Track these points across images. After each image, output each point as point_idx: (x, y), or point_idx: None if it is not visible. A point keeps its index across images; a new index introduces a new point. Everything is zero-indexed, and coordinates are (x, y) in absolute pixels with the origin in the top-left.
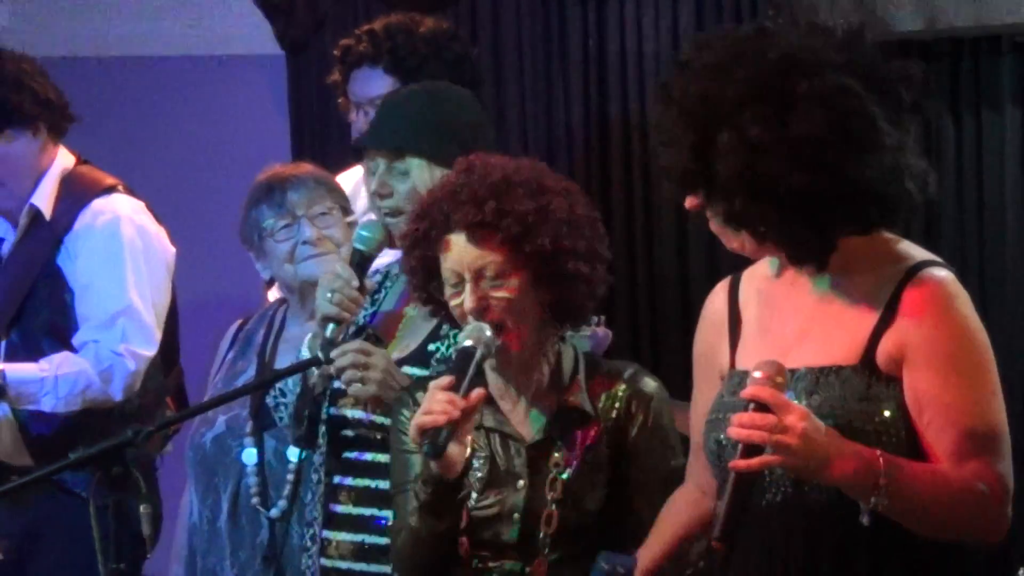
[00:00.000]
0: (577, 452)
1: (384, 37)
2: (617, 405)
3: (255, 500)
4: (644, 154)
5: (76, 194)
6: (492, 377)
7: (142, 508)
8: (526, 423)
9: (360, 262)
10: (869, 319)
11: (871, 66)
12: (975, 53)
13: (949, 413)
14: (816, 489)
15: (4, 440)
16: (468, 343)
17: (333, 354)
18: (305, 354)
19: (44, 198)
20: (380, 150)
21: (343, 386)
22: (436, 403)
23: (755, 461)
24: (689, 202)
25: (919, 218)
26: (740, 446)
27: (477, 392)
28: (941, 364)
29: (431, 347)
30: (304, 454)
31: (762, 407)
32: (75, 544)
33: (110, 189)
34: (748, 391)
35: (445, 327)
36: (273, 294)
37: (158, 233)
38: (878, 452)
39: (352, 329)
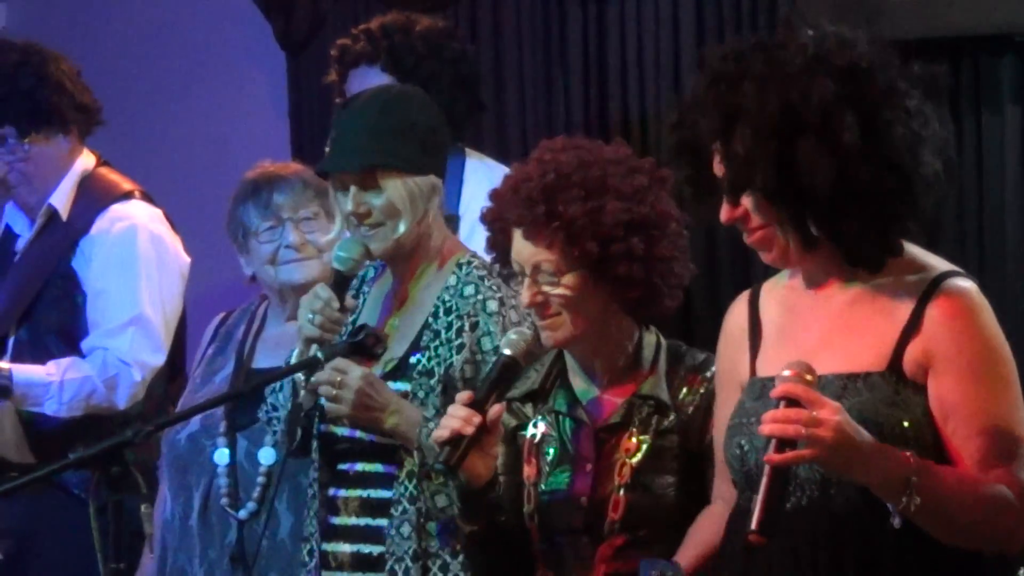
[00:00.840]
0: (649, 438)
1: (381, 36)
2: (697, 401)
3: (224, 501)
4: (644, 153)
5: (94, 197)
6: (568, 360)
7: (142, 508)
8: (599, 407)
9: (340, 282)
10: (894, 327)
11: (905, 70)
12: (975, 53)
13: (974, 421)
14: (842, 493)
15: (7, 436)
16: (507, 352)
17: (312, 379)
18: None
19: (62, 198)
20: (348, 172)
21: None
22: (453, 419)
23: (789, 455)
24: (730, 213)
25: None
26: (774, 441)
27: (495, 408)
28: (966, 373)
29: (412, 359)
30: (277, 458)
31: (793, 403)
32: (74, 544)
33: (128, 195)
34: (779, 389)
35: (426, 338)
36: None
37: (174, 242)
38: (908, 453)
39: (347, 330)
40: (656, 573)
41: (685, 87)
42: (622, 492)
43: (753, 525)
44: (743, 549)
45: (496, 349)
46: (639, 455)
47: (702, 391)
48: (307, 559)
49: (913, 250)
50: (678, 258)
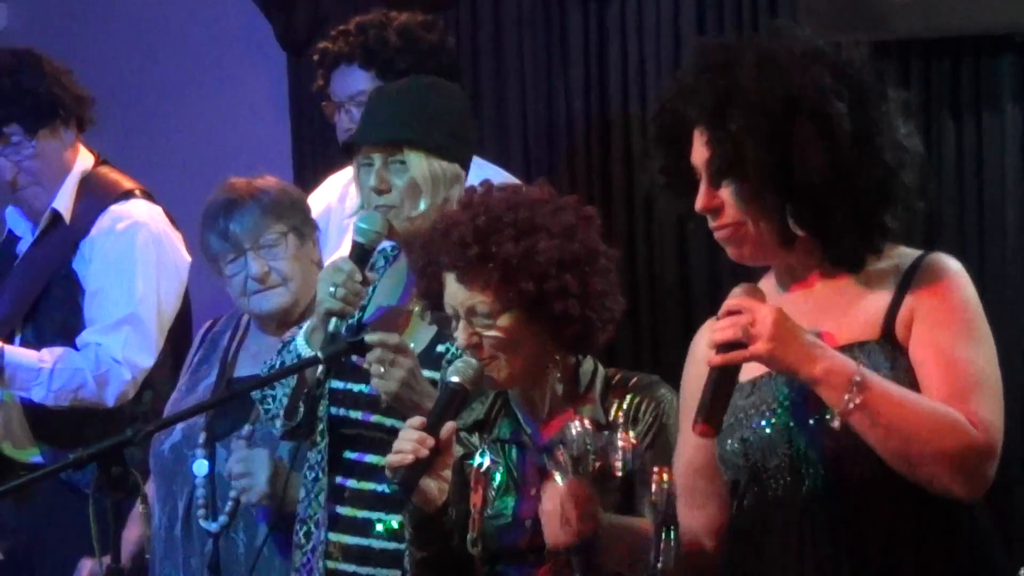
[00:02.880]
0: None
1: (356, 33)
2: (628, 410)
3: (201, 512)
4: (644, 153)
5: (95, 197)
6: (510, 391)
7: (142, 508)
8: (541, 433)
9: (361, 255)
10: (883, 300)
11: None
12: (975, 53)
13: (942, 362)
14: (854, 473)
15: (15, 431)
16: (454, 380)
17: (368, 337)
18: (302, 345)
19: (65, 200)
20: (375, 145)
21: (365, 366)
22: (406, 442)
23: (733, 354)
24: (708, 200)
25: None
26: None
27: (447, 429)
28: (941, 323)
29: (439, 348)
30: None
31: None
32: (78, 542)
33: (128, 194)
34: (725, 305)
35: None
36: None
37: (174, 241)
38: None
39: (350, 322)
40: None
41: None
42: None
43: (699, 417)
44: (762, 542)
45: None
46: None
47: (631, 400)
48: (303, 541)
49: (898, 247)
50: (609, 292)
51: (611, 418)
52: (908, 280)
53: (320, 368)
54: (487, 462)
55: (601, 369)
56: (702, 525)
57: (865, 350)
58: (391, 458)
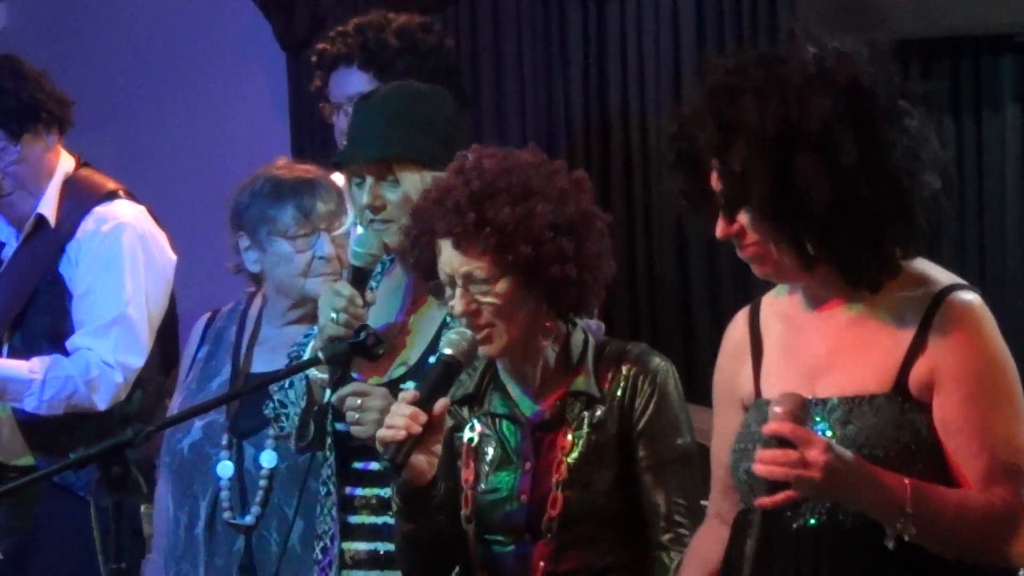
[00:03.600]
0: (584, 434)
1: (355, 35)
2: (623, 383)
3: (227, 515)
4: (644, 154)
5: (79, 199)
6: (500, 362)
7: (143, 508)
8: (534, 406)
9: (358, 277)
10: (900, 345)
11: (906, 88)
12: (975, 53)
13: (976, 441)
14: (851, 515)
15: (5, 439)
16: (448, 352)
17: (333, 399)
18: (311, 372)
19: (49, 205)
20: (365, 163)
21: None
22: (399, 417)
23: (780, 497)
24: (725, 229)
25: None
26: (763, 480)
27: (440, 404)
28: (970, 390)
29: (432, 359)
30: (279, 461)
31: (784, 442)
32: (75, 544)
33: (112, 195)
34: (769, 427)
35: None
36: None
37: (159, 241)
38: (906, 481)
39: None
40: None
41: (685, 87)
42: (560, 490)
43: (747, 573)
44: (749, 561)
45: None
46: (575, 452)
47: (626, 373)
48: (320, 556)
49: (915, 263)
50: (604, 255)
51: (605, 390)
52: (928, 322)
53: (328, 391)
54: (477, 435)
55: (592, 339)
56: (728, 512)
57: (875, 405)
58: (383, 432)
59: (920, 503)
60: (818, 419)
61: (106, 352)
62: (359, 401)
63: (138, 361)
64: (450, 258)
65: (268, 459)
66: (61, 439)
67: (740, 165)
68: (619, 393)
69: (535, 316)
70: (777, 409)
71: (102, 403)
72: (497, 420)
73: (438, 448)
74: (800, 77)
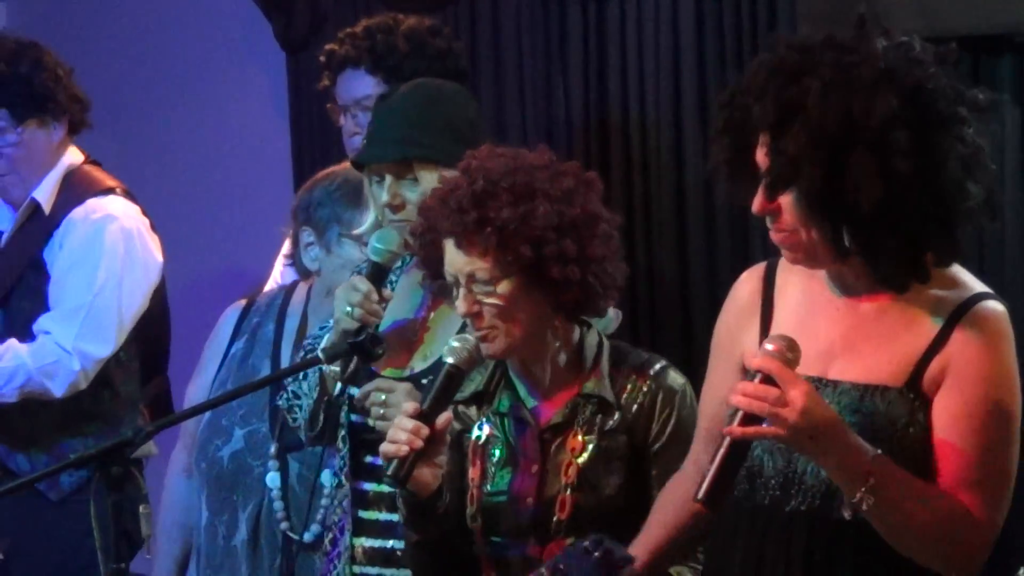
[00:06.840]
0: (595, 438)
1: (364, 37)
2: (641, 399)
3: (284, 525)
4: (644, 153)
5: (76, 191)
6: (510, 363)
7: (141, 508)
8: (542, 408)
9: (377, 274)
10: (920, 342)
11: (968, 95)
12: (975, 53)
13: (961, 443)
14: (838, 513)
15: None
16: (449, 360)
17: (357, 395)
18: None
19: (46, 193)
20: (385, 163)
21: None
22: (401, 432)
23: (751, 430)
24: (763, 205)
25: None
26: (739, 413)
27: (443, 418)
28: (972, 394)
29: None
30: (338, 481)
31: (769, 380)
32: (47, 547)
33: (108, 190)
34: (757, 361)
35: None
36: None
37: (147, 240)
38: (879, 452)
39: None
40: (591, 546)
41: (685, 86)
42: (569, 492)
43: (700, 494)
44: (738, 542)
45: None
46: (585, 455)
47: (645, 389)
48: (328, 547)
49: (956, 271)
50: (610, 258)
51: (623, 398)
52: (952, 324)
53: (339, 384)
54: (485, 434)
55: (607, 342)
56: (706, 462)
57: (886, 397)
58: (385, 447)
59: (885, 477)
60: (827, 401)
61: (65, 338)
62: (384, 396)
63: (101, 351)
64: (453, 258)
65: (327, 478)
66: (21, 427)
67: (795, 148)
68: (635, 408)
69: (539, 317)
70: (769, 346)
71: (58, 391)
72: (504, 419)
73: (442, 459)
74: (869, 72)
